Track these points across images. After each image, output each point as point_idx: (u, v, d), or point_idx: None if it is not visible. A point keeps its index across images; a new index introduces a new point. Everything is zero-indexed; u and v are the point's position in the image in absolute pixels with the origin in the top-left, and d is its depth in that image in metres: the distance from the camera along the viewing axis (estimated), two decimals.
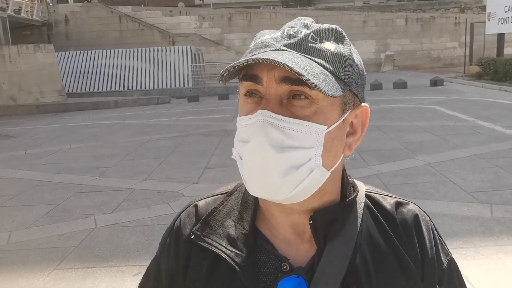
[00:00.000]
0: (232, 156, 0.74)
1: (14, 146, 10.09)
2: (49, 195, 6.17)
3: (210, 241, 0.78)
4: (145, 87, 20.22)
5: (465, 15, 29.87)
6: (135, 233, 4.61)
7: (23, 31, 26.81)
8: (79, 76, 20.52)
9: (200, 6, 39.02)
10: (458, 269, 0.87)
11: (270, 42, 0.70)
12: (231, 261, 0.75)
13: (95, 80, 20.44)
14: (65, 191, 6.27)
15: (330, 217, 0.75)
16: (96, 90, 20.05)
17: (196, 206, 0.85)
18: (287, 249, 0.77)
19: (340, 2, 40.94)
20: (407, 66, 29.64)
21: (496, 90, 15.11)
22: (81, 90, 19.92)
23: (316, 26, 0.72)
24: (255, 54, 0.68)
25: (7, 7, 22.22)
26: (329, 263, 0.74)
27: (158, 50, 21.50)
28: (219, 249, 0.77)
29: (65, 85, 19.27)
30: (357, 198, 0.80)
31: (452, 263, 0.85)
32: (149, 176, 6.82)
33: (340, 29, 0.73)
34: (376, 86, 17.54)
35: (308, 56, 0.67)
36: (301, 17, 0.74)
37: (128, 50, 21.64)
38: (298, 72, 0.63)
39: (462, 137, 8.18)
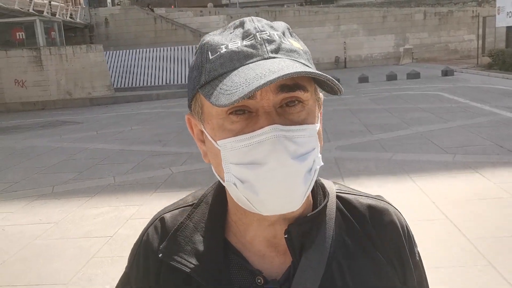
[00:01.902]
0: (225, 182, 0.68)
1: (85, 129, 12.33)
2: (130, 157, 8.28)
3: (178, 259, 0.75)
4: (181, 82, 22.39)
5: (482, 9, 30.98)
6: (202, 174, 6.64)
7: (68, 33, 29.41)
8: (123, 72, 22.88)
9: (227, 5, 41.07)
10: (422, 264, 0.86)
11: (249, 51, 0.65)
12: (202, 280, 0.73)
13: (137, 76, 22.76)
14: (140, 155, 8.37)
15: (305, 228, 0.74)
16: (138, 84, 22.35)
17: (162, 219, 0.82)
18: (260, 262, 0.75)
19: None
20: (425, 58, 30.96)
21: (499, 78, 16.61)
22: (125, 85, 22.26)
23: (276, 24, 0.71)
24: (237, 67, 0.64)
25: (56, 12, 24.76)
26: (304, 274, 0.72)
27: (191, 48, 23.64)
28: (188, 267, 0.74)
29: (112, 80, 21.61)
30: (328, 201, 0.78)
31: (419, 255, 0.84)
32: None
33: (287, 24, 0.74)
34: (391, 77, 19.21)
35: (293, 59, 0.66)
36: (251, 18, 0.70)
37: (164, 48, 23.88)
38: (331, 79, 0.64)
39: (454, 114, 9.94)
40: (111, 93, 19.91)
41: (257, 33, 0.67)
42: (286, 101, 0.66)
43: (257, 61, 0.64)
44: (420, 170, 6.00)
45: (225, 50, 0.66)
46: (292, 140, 0.65)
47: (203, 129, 0.72)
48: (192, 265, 0.74)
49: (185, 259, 0.75)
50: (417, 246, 0.84)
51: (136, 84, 22.36)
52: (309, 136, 0.67)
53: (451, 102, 11.75)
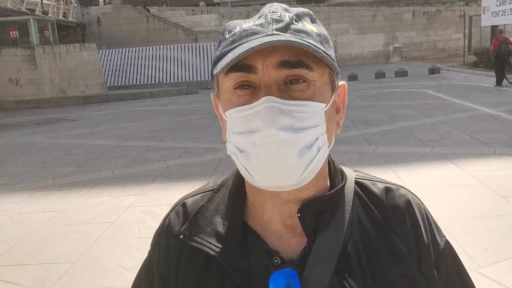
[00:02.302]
0: (227, 152, 0.72)
1: (80, 126, 12.63)
2: (126, 152, 8.64)
3: (199, 240, 0.77)
4: (174, 80, 22.71)
5: (469, 8, 31.59)
6: (196, 167, 7.02)
7: (60, 32, 29.53)
8: (116, 71, 23.14)
9: (219, 4, 41.38)
10: (454, 251, 0.85)
11: (257, 29, 0.69)
12: (221, 260, 0.75)
13: (130, 74, 23.03)
14: (136, 150, 8.73)
15: (319, 208, 0.75)
16: (131, 83, 22.63)
17: (184, 204, 0.85)
18: (278, 243, 0.76)
19: None
20: (414, 57, 31.53)
21: (483, 76, 17.14)
22: (118, 84, 22.53)
23: (294, 9, 0.73)
24: (243, 43, 0.67)
25: (49, 11, 24.92)
26: (320, 254, 0.73)
27: (183, 47, 23.97)
28: (208, 247, 0.76)
29: (105, 79, 21.86)
30: (346, 185, 0.79)
31: (448, 246, 0.83)
32: (195, 140, 9.24)
33: (311, 11, 0.75)
34: (380, 75, 19.70)
35: (299, 38, 0.67)
36: (272, 4, 0.73)
37: (157, 47, 24.17)
38: (315, 48, 0.65)
39: (436, 110, 10.40)
40: (104, 91, 20.17)
41: (268, 14, 0.70)
42: (290, 78, 0.68)
43: (260, 37, 0.67)
44: (400, 162, 6.43)
45: (239, 29, 0.70)
46: (289, 113, 0.66)
47: (219, 105, 0.75)
48: (212, 245, 0.76)
49: (205, 240, 0.77)
50: (445, 236, 0.83)
51: (129, 82, 22.64)
52: (311, 112, 0.68)
53: (435, 99, 12.23)
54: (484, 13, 21.49)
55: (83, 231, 4.77)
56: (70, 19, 28.85)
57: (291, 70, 0.67)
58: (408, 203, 0.81)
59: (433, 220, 0.84)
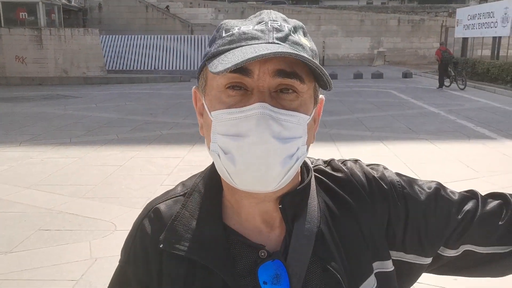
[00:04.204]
0: (210, 151, 0.73)
1: (84, 102, 14.29)
2: (127, 123, 10.35)
3: (181, 247, 0.77)
4: (169, 68, 24.36)
5: (451, 19, 33.60)
6: (186, 136, 8.78)
7: (62, 15, 30.97)
8: (115, 56, 24.72)
9: None
10: (403, 176, 0.89)
11: (257, 34, 0.71)
12: (207, 262, 0.76)
13: (128, 60, 24.63)
14: (136, 122, 10.45)
15: (297, 199, 0.79)
16: (129, 68, 24.23)
17: (157, 210, 0.84)
18: (258, 238, 0.79)
19: (345, 1, 44.72)
20: (396, 62, 33.51)
21: (447, 81, 19.07)
22: (117, 68, 24.11)
23: (291, 21, 0.75)
24: (243, 45, 0.69)
25: None
26: (298, 241, 0.77)
27: (180, 38, 25.62)
28: (191, 253, 0.76)
29: (105, 62, 23.44)
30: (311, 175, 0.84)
31: (395, 180, 0.86)
32: (186, 118, 10.98)
33: (303, 25, 0.78)
34: (358, 76, 21.57)
35: (296, 50, 0.69)
36: (270, 11, 0.76)
37: (155, 36, 25.78)
38: (320, 68, 0.68)
39: (392, 107, 12.26)
40: (104, 74, 21.77)
41: (269, 21, 0.72)
42: (282, 87, 0.70)
43: (261, 43, 0.69)
44: (344, 140, 8.26)
45: (237, 30, 0.72)
46: (278, 122, 0.68)
47: (203, 101, 0.76)
48: (195, 250, 0.77)
49: (187, 246, 0.77)
50: (402, 176, 0.88)
51: (127, 67, 24.24)
52: (297, 123, 0.71)
53: (395, 98, 14.11)
54: (457, 25, 23.46)
55: (99, 170, 6.52)
56: (73, 3, 30.25)
57: (284, 79, 0.69)
58: (352, 171, 0.86)
59: (379, 171, 0.88)
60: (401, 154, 7.21)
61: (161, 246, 0.78)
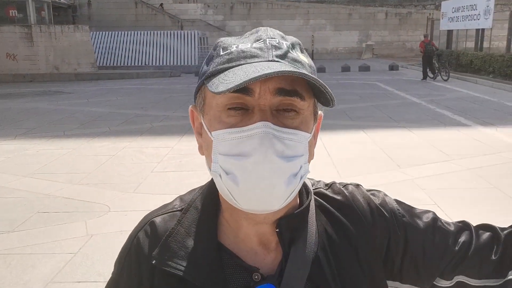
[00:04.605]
0: (211, 171, 0.72)
1: (76, 97, 14.55)
2: (119, 117, 10.67)
3: (173, 264, 0.77)
4: (159, 64, 24.62)
5: (438, 12, 34.11)
6: (175, 128, 9.12)
7: (52, 12, 31.05)
8: (105, 52, 24.92)
9: None
10: (404, 205, 0.89)
11: (256, 52, 0.71)
12: (198, 283, 0.75)
13: (118, 56, 24.85)
14: (127, 116, 10.77)
15: (294, 223, 0.78)
16: (119, 64, 24.46)
17: (152, 223, 0.83)
18: (254, 260, 0.78)
19: None
20: (384, 55, 33.98)
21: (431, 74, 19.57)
22: (107, 64, 24.34)
23: (289, 38, 0.75)
24: (242, 64, 0.69)
25: None
26: (294, 266, 0.76)
27: (170, 34, 25.88)
28: (183, 271, 0.76)
29: (96, 58, 23.65)
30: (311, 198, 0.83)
31: (402, 209, 0.87)
32: (176, 111, 11.32)
33: (299, 41, 0.78)
34: (345, 69, 21.99)
35: (296, 67, 0.70)
36: (267, 28, 0.76)
37: (145, 32, 26.00)
38: (324, 85, 0.67)
39: (376, 98, 12.68)
40: (95, 70, 21.99)
41: (267, 39, 0.72)
42: (283, 106, 0.70)
43: (261, 61, 0.69)
44: (327, 129, 8.64)
45: (235, 48, 0.72)
46: (281, 140, 0.68)
47: (202, 120, 0.75)
48: (187, 269, 0.75)
49: (180, 264, 0.76)
50: (392, 203, 0.88)
51: (117, 63, 24.47)
52: (299, 141, 0.70)
53: (380, 90, 14.54)
54: (442, 18, 23.94)
55: (93, 159, 6.86)
56: (62, 0, 30.32)
57: (285, 97, 0.69)
58: (353, 195, 0.86)
59: (380, 197, 0.88)
60: (379, 141, 7.62)
61: (153, 262, 0.78)
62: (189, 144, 7.62)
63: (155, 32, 26.21)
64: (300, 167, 0.71)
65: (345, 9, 35.04)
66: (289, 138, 0.69)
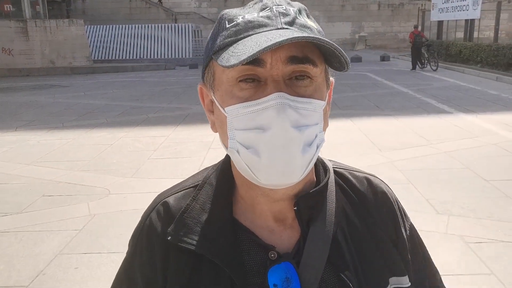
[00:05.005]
0: (229, 148, 0.71)
1: (72, 91, 14.85)
2: (115, 108, 11.01)
3: (189, 240, 0.75)
4: (153, 57, 24.89)
5: (430, 3, 34.44)
6: (170, 118, 9.48)
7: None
8: (100, 46, 25.16)
9: None
10: (416, 230, 0.90)
11: (264, 21, 0.68)
12: (214, 258, 0.74)
13: (113, 49, 25.09)
14: (123, 108, 11.11)
15: (313, 201, 0.77)
16: (114, 57, 24.71)
17: (165, 203, 0.82)
18: (270, 237, 0.77)
19: None
20: (377, 46, 34.34)
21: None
22: (102, 57, 24.58)
23: (295, 3, 0.73)
24: (251, 35, 0.67)
25: None
26: (314, 245, 0.75)
27: (164, 27, 26.11)
28: (199, 247, 0.75)
29: (91, 52, 23.89)
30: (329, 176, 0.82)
31: (412, 227, 0.89)
32: (170, 103, 11.66)
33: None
34: None
35: (307, 33, 0.68)
36: None
37: (140, 26, 26.22)
38: (339, 49, 0.66)
39: (365, 88, 13.06)
40: (90, 63, 22.24)
41: (273, 6, 0.70)
42: (296, 74, 0.68)
43: (270, 30, 0.67)
44: None
45: (242, 19, 0.69)
46: (296, 110, 0.66)
47: (213, 97, 0.73)
48: (203, 245, 0.75)
49: (195, 240, 0.75)
50: (409, 219, 0.90)
51: (112, 57, 24.72)
52: (313, 110, 0.69)
53: (369, 80, 14.92)
54: (433, 9, 24.29)
55: (92, 148, 7.22)
56: None
57: (298, 65, 0.67)
58: (383, 192, 0.86)
59: (401, 205, 0.89)
60: (364, 128, 8.02)
61: (168, 238, 0.77)
62: (183, 133, 7.99)
63: (150, 25, 26.44)
64: (316, 136, 0.70)
65: (338, 1, 35.30)
66: (304, 107, 0.68)
